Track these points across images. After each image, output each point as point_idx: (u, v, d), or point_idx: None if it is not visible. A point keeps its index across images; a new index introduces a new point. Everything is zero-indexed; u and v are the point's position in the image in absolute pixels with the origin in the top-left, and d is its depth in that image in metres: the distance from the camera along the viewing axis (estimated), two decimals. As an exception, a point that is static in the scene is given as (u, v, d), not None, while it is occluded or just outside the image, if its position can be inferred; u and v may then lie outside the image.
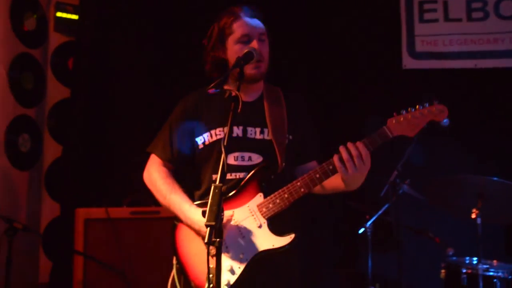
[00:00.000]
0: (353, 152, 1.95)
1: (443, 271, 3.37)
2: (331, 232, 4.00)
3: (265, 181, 2.08)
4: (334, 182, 2.07)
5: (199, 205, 2.11)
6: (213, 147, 2.15)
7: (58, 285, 3.79)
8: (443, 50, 4.26)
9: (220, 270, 1.62)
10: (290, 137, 2.19)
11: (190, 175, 2.23)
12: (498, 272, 3.10)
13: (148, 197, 3.35)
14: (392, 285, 3.48)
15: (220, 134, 2.15)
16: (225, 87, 2.19)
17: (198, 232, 2.05)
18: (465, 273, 3.17)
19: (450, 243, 3.42)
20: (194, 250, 2.08)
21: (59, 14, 4.36)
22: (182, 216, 2.10)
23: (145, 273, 3.13)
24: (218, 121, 2.16)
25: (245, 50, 2.05)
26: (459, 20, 4.26)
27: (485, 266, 3.11)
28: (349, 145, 1.97)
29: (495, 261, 3.29)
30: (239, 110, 1.83)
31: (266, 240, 2.01)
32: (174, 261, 2.14)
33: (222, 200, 1.63)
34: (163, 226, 3.18)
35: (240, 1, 2.27)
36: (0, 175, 3.83)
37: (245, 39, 2.14)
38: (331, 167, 2.00)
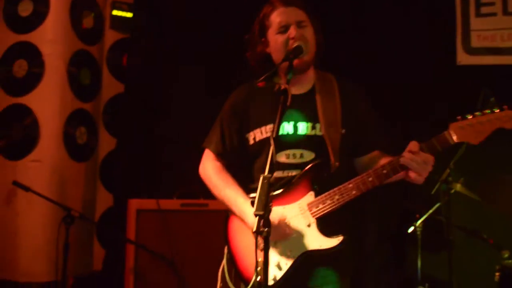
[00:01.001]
0: (418, 160, 1.87)
1: (497, 273, 3.29)
2: (377, 231, 3.96)
3: (317, 179, 2.04)
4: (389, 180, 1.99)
5: (252, 198, 2.11)
6: (264, 144, 2.13)
7: (111, 272, 3.95)
8: (501, 46, 4.13)
9: (267, 260, 1.63)
10: (343, 130, 2.12)
11: (244, 168, 2.23)
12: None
13: (198, 190, 3.52)
14: (442, 286, 3.42)
15: (270, 132, 2.10)
16: (276, 80, 2.15)
17: (248, 225, 2.05)
18: (520, 276, 3.09)
19: (505, 245, 3.34)
20: (244, 242, 2.09)
21: (114, 12, 4.55)
22: (236, 210, 2.11)
23: (193, 263, 3.23)
24: (269, 117, 2.09)
25: (293, 45, 2.02)
26: (519, 13, 4.13)
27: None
28: (412, 154, 1.88)
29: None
30: (288, 104, 1.82)
31: (314, 240, 1.99)
32: (226, 251, 2.17)
33: (271, 193, 1.63)
34: (211, 219, 3.31)
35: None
36: (59, 166, 4.03)
37: (283, 29, 2.10)
38: (385, 171, 1.93)
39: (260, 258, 1.92)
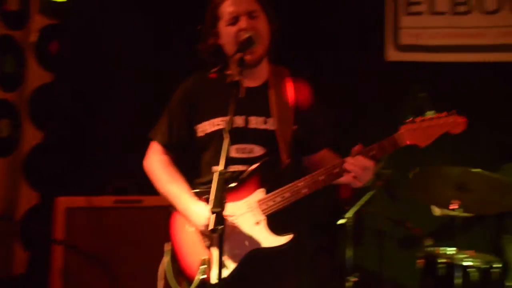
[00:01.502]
0: (357, 164, 1.90)
1: (419, 260, 3.49)
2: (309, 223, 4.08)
3: (267, 176, 2.02)
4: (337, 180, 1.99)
5: (198, 194, 2.08)
6: (213, 137, 2.09)
7: (35, 275, 3.78)
8: (427, 43, 4.35)
9: (221, 257, 1.64)
10: (295, 127, 2.10)
11: (190, 161, 2.20)
12: (473, 262, 3.23)
13: (132, 186, 3.45)
14: (371, 275, 3.59)
15: (220, 124, 2.08)
16: (227, 72, 2.11)
17: (193, 223, 2.03)
18: (442, 262, 3.30)
19: (429, 234, 3.56)
20: (188, 240, 2.07)
21: (46, -5, 4.30)
22: (180, 207, 2.07)
23: (128, 263, 3.17)
24: (220, 110, 2.06)
25: (243, 37, 1.99)
26: (444, 13, 4.33)
27: (461, 256, 3.23)
28: (353, 158, 1.92)
29: (471, 251, 3.41)
30: (240, 96, 1.80)
31: (263, 238, 1.97)
32: (167, 248, 2.13)
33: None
34: (147, 215, 3.26)
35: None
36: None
37: (234, 20, 2.05)
38: (336, 170, 1.94)
39: (205, 256, 1.94)
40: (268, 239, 1.98)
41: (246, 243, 1.99)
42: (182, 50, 3.99)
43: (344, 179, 1.95)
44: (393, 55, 4.37)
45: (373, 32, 4.32)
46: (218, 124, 2.09)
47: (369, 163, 1.90)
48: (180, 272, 2.07)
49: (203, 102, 2.15)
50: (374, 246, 3.58)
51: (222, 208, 1.61)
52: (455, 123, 1.89)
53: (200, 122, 2.14)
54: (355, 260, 3.59)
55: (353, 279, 3.54)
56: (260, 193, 2.02)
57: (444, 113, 1.91)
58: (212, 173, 2.02)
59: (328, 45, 4.21)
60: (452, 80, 4.17)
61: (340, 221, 3.65)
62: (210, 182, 2.02)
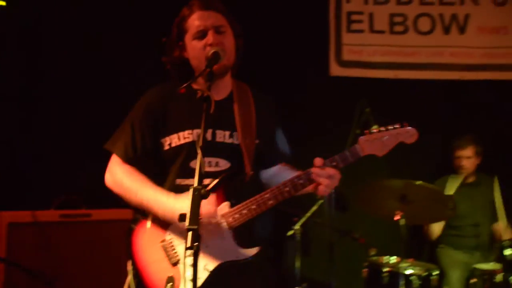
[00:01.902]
0: (324, 174, 1.97)
1: (364, 270, 3.66)
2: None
3: (232, 190, 2.04)
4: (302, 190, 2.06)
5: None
6: (180, 150, 2.07)
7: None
8: (367, 60, 4.58)
9: (196, 274, 1.62)
10: (257, 141, 2.14)
11: (152, 174, 2.14)
12: (414, 270, 3.43)
13: (79, 199, 3.32)
14: (319, 285, 3.70)
15: (188, 137, 2.07)
16: (194, 86, 2.10)
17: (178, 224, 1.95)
18: (385, 271, 3.48)
19: (374, 244, 3.73)
20: (153, 258, 2.03)
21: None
22: (160, 209, 2.00)
23: (76, 280, 3.03)
24: (187, 123, 2.07)
25: (211, 51, 1.98)
26: (382, 32, 4.60)
27: (404, 264, 3.42)
28: (320, 169, 1.98)
29: (411, 260, 3.62)
30: (211, 111, 1.81)
31: (230, 251, 1.99)
32: (129, 267, 2.07)
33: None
34: (95, 230, 3.16)
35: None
36: None
37: (200, 34, 2.05)
38: (301, 181, 1.99)
39: (170, 274, 1.93)
40: (236, 252, 2.00)
41: (213, 256, 1.99)
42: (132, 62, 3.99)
43: (311, 188, 2.03)
44: (336, 70, 4.56)
45: (320, 48, 4.47)
46: (186, 138, 2.08)
47: (335, 172, 1.99)
48: None
49: (170, 115, 2.12)
50: (322, 257, 3.68)
51: (198, 225, 1.60)
52: (408, 134, 2.01)
53: (166, 135, 2.11)
54: (303, 271, 3.68)
55: (301, 289, 3.63)
56: (225, 207, 2.04)
57: (398, 125, 2.03)
58: (173, 187, 2.08)
59: (276, 61, 4.30)
60: (391, 96, 4.42)
61: (289, 232, 3.74)
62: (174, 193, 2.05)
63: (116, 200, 3.37)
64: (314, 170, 1.99)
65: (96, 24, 4.06)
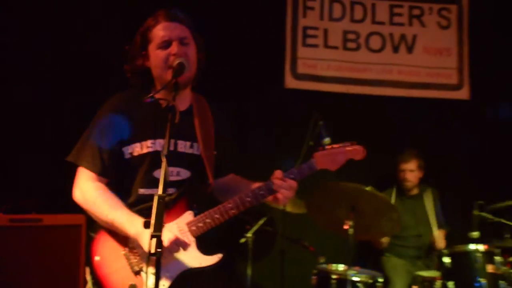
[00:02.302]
0: (285, 186, 2.08)
1: (314, 277, 3.78)
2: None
3: (194, 199, 2.10)
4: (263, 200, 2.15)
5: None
6: (142, 159, 2.11)
7: None
8: (321, 74, 4.75)
9: (159, 280, 1.67)
10: (215, 152, 2.22)
11: (115, 183, 2.15)
12: (361, 277, 3.59)
13: (29, 204, 3.26)
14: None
15: (151, 147, 2.11)
16: (156, 95, 2.11)
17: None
18: (334, 278, 3.61)
19: (324, 252, 3.86)
20: (114, 267, 2.05)
21: None
22: (132, 231, 2.00)
23: (26, 285, 2.97)
24: (149, 133, 2.11)
25: (176, 62, 2.03)
26: (336, 48, 4.78)
27: (351, 272, 3.56)
28: (281, 180, 2.09)
29: (357, 267, 3.77)
30: (176, 121, 1.86)
31: (193, 258, 2.04)
32: (88, 276, 2.08)
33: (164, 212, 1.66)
34: (47, 235, 3.11)
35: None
36: None
37: (164, 44, 2.10)
38: (262, 192, 2.09)
39: (133, 282, 1.97)
40: (199, 259, 2.07)
41: (178, 264, 2.04)
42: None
43: (271, 199, 2.13)
44: (291, 83, 4.69)
45: (276, 61, 4.59)
46: (148, 147, 2.11)
47: (294, 183, 2.11)
48: None
49: (132, 124, 2.14)
50: (273, 264, 3.79)
51: (161, 231, 1.66)
52: (356, 151, 2.18)
53: (129, 144, 2.12)
54: (254, 278, 3.77)
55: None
56: (188, 216, 2.09)
57: (348, 143, 2.19)
58: (137, 196, 2.12)
59: (232, 72, 4.37)
60: (343, 109, 4.60)
61: (241, 240, 3.82)
62: (136, 204, 2.11)
63: (67, 206, 3.36)
64: (275, 181, 2.09)
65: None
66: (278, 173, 2.12)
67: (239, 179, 2.37)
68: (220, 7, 4.40)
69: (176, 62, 2.04)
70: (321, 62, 4.77)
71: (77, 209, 3.27)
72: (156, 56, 2.12)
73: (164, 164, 1.76)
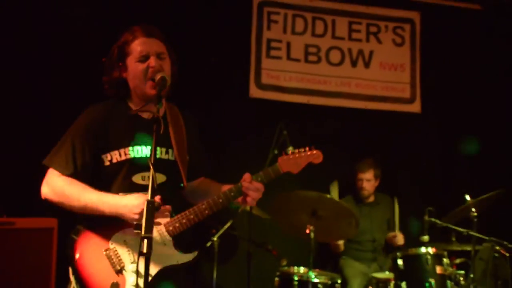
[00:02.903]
0: (252, 187, 2.26)
1: (276, 279, 3.98)
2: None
3: (169, 201, 2.22)
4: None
5: None
6: (121, 166, 2.22)
7: None
8: (283, 85, 4.97)
9: (148, 277, 1.80)
10: (188, 157, 2.38)
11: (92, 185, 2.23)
12: (320, 279, 3.81)
13: (2, 207, 3.27)
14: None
15: (129, 154, 2.22)
16: (131, 105, 2.30)
17: (126, 216, 2.09)
18: (296, 280, 3.82)
19: (285, 255, 4.07)
20: (97, 266, 2.14)
21: None
22: (106, 207, 2.12)
23: (-2, 288, 3.00)
24: (128, 140, 2.23)
25: (158, 76, 2.16)
26: (298, 60, 5.01)
27: (311, 273, 3.77)
28: (249, 183, 2.26)
29: (317, 270, 3.99)
30: (161, 132, 2.00)
31: (171, 256, 2.19)
32: (72, 278, 2.16)
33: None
34: (19, 238, 3.13)
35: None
36: None
37: (143, 58, 2.23)
38: (232, 194, 2.26)
39: (115, 281, 2.09)
40: (176, 257, 2.22)
41: (156, 262, 2.15)
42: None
43: (240, 200, 2.30)
44: (255, 92, 4.88)
45: (242, 71, 4.79)
46: (126, 154, 2.24)
47: (261, 186, 2.30)
48: None
49: (111, 132, 2.26)
50: (238, 267, 3.96)
51: (151, 233, 1.81)
52: (315, 156, 2.41)
53: (107, 151, 2.24)
54: (218, 280, 3.92)
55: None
56: (165, 217, 2.23)
57: (308, 148, 2.42)
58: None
59: (200, 81, 4.52)
60: (304, 119, 4.84)
61: (207, 244, 3.96)
62: None
63: (38, 209, 3.42)
64: (244, 184, 2.26)
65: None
66: (246, 176, 2.29)
67: (209, 182, 2.53)
68: (190, 19, 4.55)
69: (159, 76, 2.17)
70: (284, 73, 4.98)
71: (47, 212, 3.34)
72: (135, 69, 2.25)
73: (152, 170, 1.89)
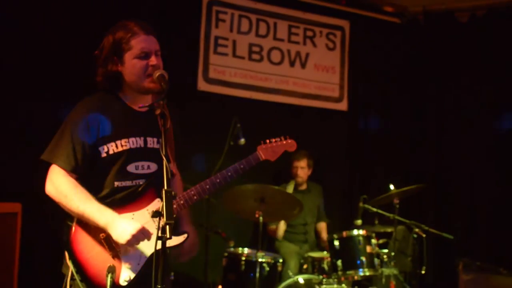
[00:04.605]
0: (234, 173, 2.41)
1: (224, 259, 4.18)
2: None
3: (160, 188, 2.18)
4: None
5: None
6: (117, 157, 2.25)
7: None
8: (229, 80, 5.13)
9: (159, 262, 1.89)
10: (174, 145, 2.42)
11: (89, 179, 2.25)
12: (265, 259, 4.07)
13: None
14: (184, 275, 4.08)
15: (125, 145, 2.26)
16: (122, 97, 2.32)
17: (117, 235, 2.14)
18: (243, 260, 4.05)
19: (231, 237, 4.27)
20: (93, 252, 2.18)
21: None
22: (102, 222, 2.14)
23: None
24: (123, 132, 2.26)
25: (157, 73, 2.19)
26: (243, 58, 5.19)
27: (258, 254, 4.01)
28: (233, 167, 2.41)
29: (260, 251, 4.24)
30: (167, 126, 2.07)
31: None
32: (69, 263, 2.18)
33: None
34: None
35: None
36: None
37: (143, 55, 2.24)
38: (218, 180, 2.38)
39: (112, 264, 2.16)
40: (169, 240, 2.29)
41: (150, 246, 2.19)
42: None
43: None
44: (203, 85, 5.00)
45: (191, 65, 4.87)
46: (123, 145, 2.27)
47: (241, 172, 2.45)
48: (89, 282, 2.17)
49: (108, 123, 2.27)
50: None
51: (173, 220, 1.90)
52: (289, 144, 2.62)
53: (104, 143, 2.25)
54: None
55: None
56: (157, 202, 2.29)
57: (283, 137, 2.62)
58: (112, 189, 2.28)
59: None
60: (246, 113, 5.02)
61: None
62: (109, 196, 2.28)
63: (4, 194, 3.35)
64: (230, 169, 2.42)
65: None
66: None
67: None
68: (143, 16, 4.53)
69: (158, 73, 2.21)
70: (229, 69, 5.14)
71: (11, 197, 3.29)
72: (134, 65, 2.26)
73: (165, 162, 1.98)
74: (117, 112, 2.31)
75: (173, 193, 1.96)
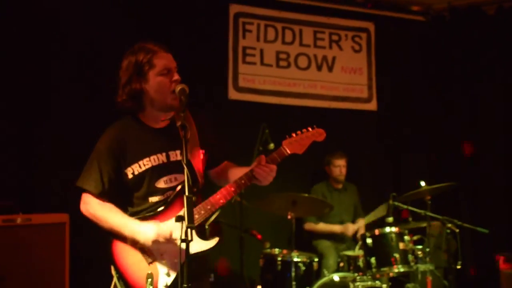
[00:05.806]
0: (265, 170, 2.33)
1: (261, 260, 4.22)
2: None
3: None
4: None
5: (141, 219, 2.30)
6: (143, 176, 2.33)
7: None
8: (258, 87, 5.19)
9: (185, 264, 1.95)
10: (203, 151, 2.43)
11: (121, 199, 2.36)
12: (300, 258, 4.08)
13: (15, 204, 3.31)
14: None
15: (148, 164, 2.33)
16: (141, 118, 2.39)
17: (142, 241, 2.23)
18: (279, 260, 4.07)
19: (267, 239, 4.30)
20: (131, 260, 2.27)
21: None
22: (127, 231, 2.25)
23: (20, 283, 3.01)
24: (144, 152, 2.34)
25: (179, 88, 2.24)
26: (271, 65, 5.24)
27: (293, 254, 4.03)
28: (259, 167, 2.33)
29: (295, 251, 4.25)
30: (188, 137, 2.10)
31: (195, 244, 2.21)
32: (113, 272, 2.28)
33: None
34: (37, 233, 3.21)
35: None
36: None
37: (165, 72, 2.32)
38: (243, 181, 2.33)
39: (150, 271, 2.23)
40: (200, 244, 2.31)
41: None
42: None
43: (257, 182, 2.38)
44: (233, 94, 5.08)
45: (221, 75, 4.96)
46: (145, 165, 2.35)
47: (274, 167, 2.36)
48: (128, 287, 2.26)
49: (130, 147, 2.35)
50: (229, 252, 4.16)
51: (194, 223, 1.97)
52: (318, 134, 2.46)
53: (129, 165, 2.34)
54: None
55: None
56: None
57: (310, 128, 2.47)
58: (147, 204, 2.36)
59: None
60: (276, 118, 5.05)
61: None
62: (143, 211, 2.36)
63: (49, 205, 3.50)
64: (255, 169, 2.34)
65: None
66: (259, 159, 2.36)
67: (232, 165, 2.58)
68: (173, 30, 4.66)
69: (179, 88, 2.25)
70: (258, 77, 5.20)
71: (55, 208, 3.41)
72: (159, 82, 2.32)
73: (185, 170, 2.04)
74: (138, 133, 2.37)
75: (193, 198, 2.00)
